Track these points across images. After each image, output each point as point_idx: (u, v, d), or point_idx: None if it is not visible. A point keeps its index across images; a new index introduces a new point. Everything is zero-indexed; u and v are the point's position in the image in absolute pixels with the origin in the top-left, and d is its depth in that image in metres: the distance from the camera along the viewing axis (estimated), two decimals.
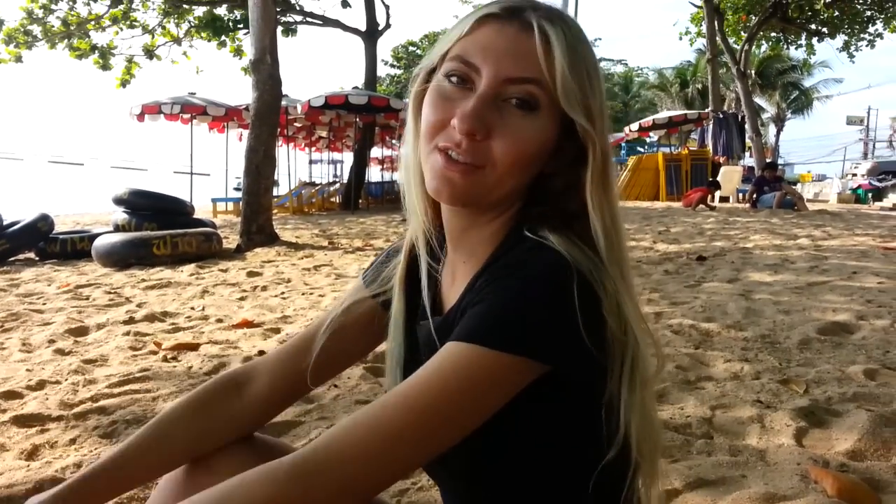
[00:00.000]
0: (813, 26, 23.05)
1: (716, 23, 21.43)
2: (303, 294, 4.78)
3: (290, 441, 2.03)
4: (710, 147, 19.16)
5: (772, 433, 2.06)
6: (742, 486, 1.71)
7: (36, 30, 15.38)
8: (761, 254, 6.28)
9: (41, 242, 7.75)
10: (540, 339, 0.71)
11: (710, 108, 20.83)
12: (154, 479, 0.99)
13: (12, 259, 7.55)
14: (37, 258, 7.72)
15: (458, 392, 0.70)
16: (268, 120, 8.44)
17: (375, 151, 20.83)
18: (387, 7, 18.06)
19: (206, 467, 0.96)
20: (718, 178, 15.82)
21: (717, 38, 21.81)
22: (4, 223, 7.58)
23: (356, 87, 16.68)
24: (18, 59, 15.32)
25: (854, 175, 24.68)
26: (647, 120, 21.27)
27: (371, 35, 17.59)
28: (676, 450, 1.96)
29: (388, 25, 18.09)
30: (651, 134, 23.13)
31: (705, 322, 3.50)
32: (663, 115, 21.89)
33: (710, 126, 19.28)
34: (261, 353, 3.18)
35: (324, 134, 21.05)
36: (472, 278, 0.84)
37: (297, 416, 2.31)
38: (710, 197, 14.21)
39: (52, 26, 15.56)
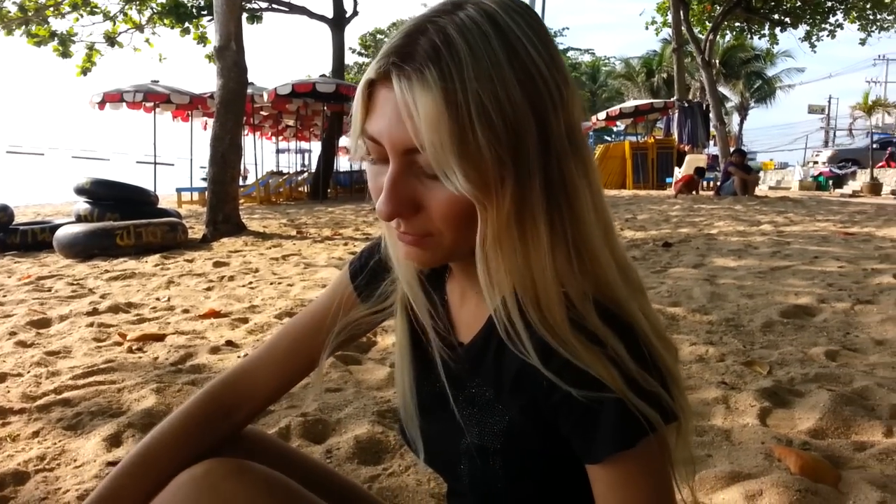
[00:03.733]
0: (776, 16, 23.43)
1: (681, 12, 21.66)
2: (271, 283, 4.74)
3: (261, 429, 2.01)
4: (675, 136, 19.39)
5: (736, 413, 2.10)
6: (708, 465, 1.74)
7: None
8: (725, 240, 6.38)
9: (0, 234, 7.57)
10: (667, 402, 0.71)
11: (675, 98, 21.07)
12: None
13: None
14: None
15: (657, 492, 0.71)
16: (233, 108, 8.32)
17: (344, 140, 20.68)
18: None
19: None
20: (683, 167, 16.03)
21: (683, 28, 22.05)
22: None
23: (324, 76, 16.53)
24: None
25: (815, 163, 25.21)
26: (614, 109, 21.48)
27: (338, 22, 17.43)
28: None
29: (355, 13, 17.95)
30: (618, 123, 23.36)
31: (671, 307, 3.54)
32: (630, 104, 22.10)
33: (676, 115, 19.51)
34: (228, 342, 3.14)
35: (291, 123, 20.88)
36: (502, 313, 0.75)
37: None
38: (698, 185, 14.57)
39: (9, 12, 15.07)
